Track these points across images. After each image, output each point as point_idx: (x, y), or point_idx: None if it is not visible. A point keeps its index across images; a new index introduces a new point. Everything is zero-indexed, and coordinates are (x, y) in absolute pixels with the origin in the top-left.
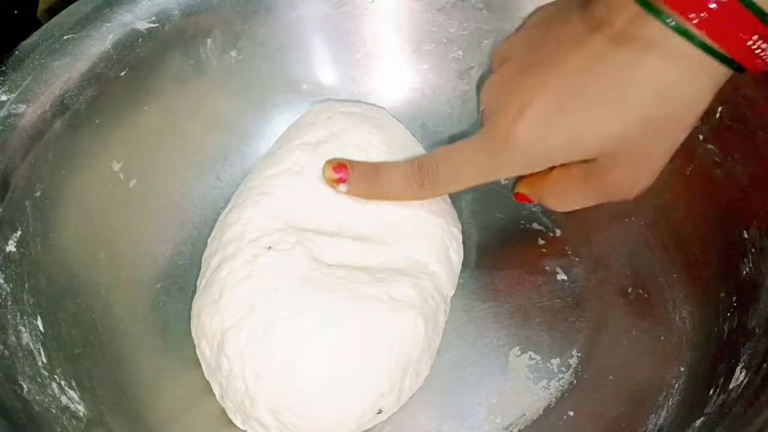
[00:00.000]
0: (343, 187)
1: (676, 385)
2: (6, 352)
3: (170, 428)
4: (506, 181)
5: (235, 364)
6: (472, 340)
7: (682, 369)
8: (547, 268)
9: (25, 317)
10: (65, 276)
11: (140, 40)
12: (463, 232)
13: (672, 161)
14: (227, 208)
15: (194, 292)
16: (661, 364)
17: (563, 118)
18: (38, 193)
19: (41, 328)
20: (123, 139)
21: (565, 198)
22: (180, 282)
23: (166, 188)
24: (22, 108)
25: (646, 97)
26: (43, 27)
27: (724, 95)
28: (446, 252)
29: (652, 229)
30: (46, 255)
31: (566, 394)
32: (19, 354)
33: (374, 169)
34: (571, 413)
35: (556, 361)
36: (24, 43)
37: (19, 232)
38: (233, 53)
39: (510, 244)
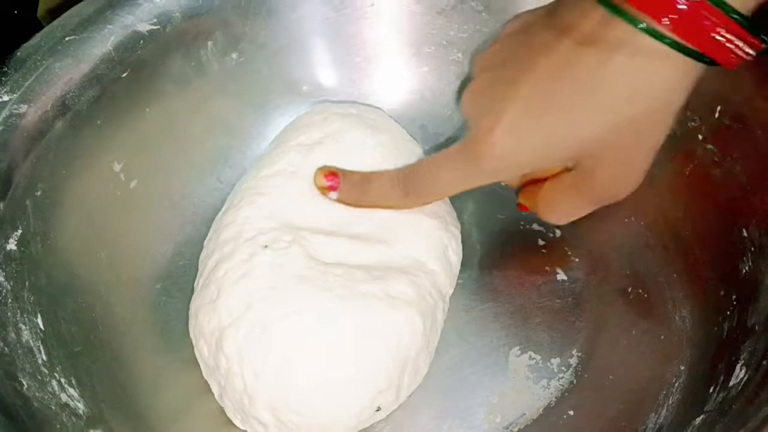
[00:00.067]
0: (333, 194)
1: (676, 384)
2: (6, 349)
3: (170, 428)
4: (506, 183)
5: (234, 363)
6: (472, 340)
7: (682, 368)
8: (547, 268)
9: (25, 315)
10: (65, 275)
11: (141, 41)
12: (463, 233)
13: (672, 161)
14: (223, 209)
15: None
16: (661, 363)
17: (535, 124)
18: (39, 193)
19: (41, 326)
20: (124, 140)
21: (558, 209)
22: (180, 282)
23: (167, 189)
24: (23, 108)
25: (616, 97)
26: (45, 28)
27: (723, 95)
28: (444, 251)
29: (652, 229)
30: (46, 254)
31: (566, 394)
32: (19, 351)
33: (364, 178)
34: (571, 413)
35: (556, 361)
36: (26, 44)
37: (20, 231)
38: (234, 55)
39: (510, 244)
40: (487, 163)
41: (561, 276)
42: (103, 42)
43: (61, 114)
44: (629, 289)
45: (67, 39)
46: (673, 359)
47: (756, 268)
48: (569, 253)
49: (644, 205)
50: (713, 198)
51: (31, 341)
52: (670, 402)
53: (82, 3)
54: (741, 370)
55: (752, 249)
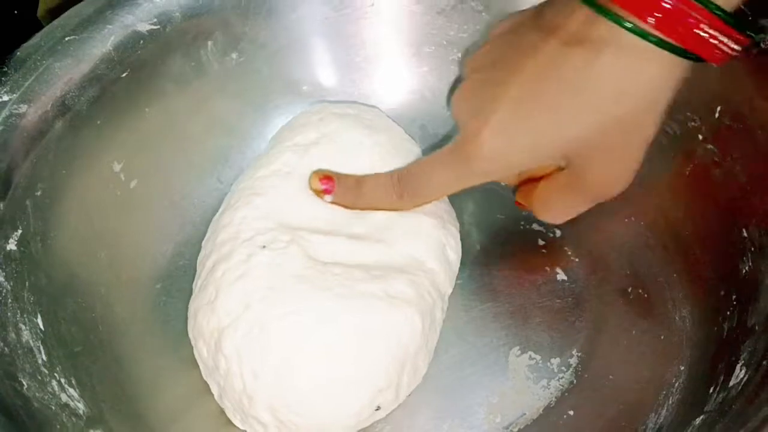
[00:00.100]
0: (328, 197)
1: (676, 384)
2: (6, 349)
3: (170, 428)
4: (505, 183)
5: (233, 363)
6: (471, 339)
7: (682, 368)
8: (547, 268)
9: (25, 315)
10: (65, 275)
11: (141, 41)
12: (462, 232)
13: (672, 161)
14: (220, 210)
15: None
16: (661, 363)
17: (523, 125)
18: (39, 193)
19: (41, 326)
20: (124, 140)
21: (553, 208)
22: (180, 282)
23: (167, 189)
24: (23, 108)
25: (603, 96)
26: (45, 28)
27: (723, 95)
28: (443, 250)
29: (652, 229)
30: (46, 254)
31: (566, 394)
32: (19, 351)
33: (358, 182)
34: (571, 412)
35: (556, 361)
36: (26, 44)
37: (20, 231)
38: (234, 55)
39: (510, 244)
40: (477, 164)
41: (561, 276)
42: (103, 42)
43: (61, 114)
44: (629, 289)
45: (67, 39)
46: (673, 359)
47: (756, 268)
48: (569, 253)
49: (644, 205)
50: (713, 198)
51: (31, 341)
52: (670, 402)
53: (82, 3)
54: (741, 370)
55: (752, 249)
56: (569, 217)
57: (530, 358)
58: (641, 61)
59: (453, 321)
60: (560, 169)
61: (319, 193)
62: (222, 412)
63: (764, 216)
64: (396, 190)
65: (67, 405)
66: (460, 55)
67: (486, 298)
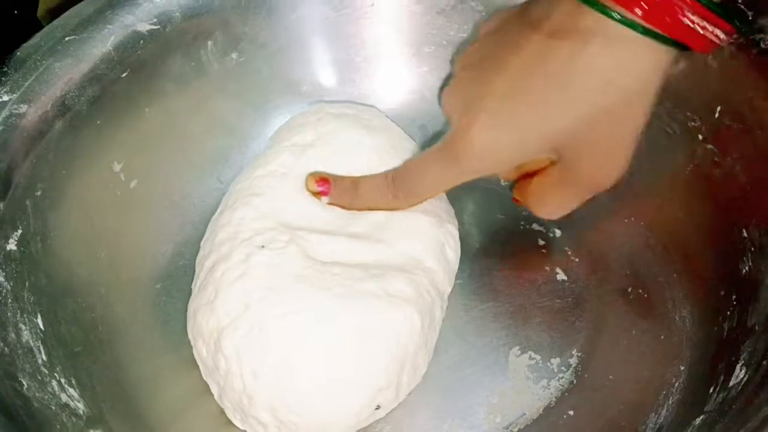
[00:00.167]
0: (325, 199)
1: (676, 384)
2: (6, 349)
3: (170, 428)
4: (505, 182)
5: (233, 363)
6: (471, 339)
7: (682, 368)
8: (547, 268)
9: (25, 315)
10: (65, 275)
11: (141, 41)
12: (463, 233)
13: (672, 161)
14: (218, 211)
15: None
16: (661, 363)
17: (511, 121)
18: (39, 193)
19: (41, 326)
20: (124, 140)
21: (548, 202)
22: (180, 282)
23: (167, 189)
24: (23, 108)
25: (590, 87)
26: (45, 28)
27: (723, 95)
28: (442, 249)
29: (652, 229)
30: (46, 254)
31: (566, 394)
32: (19, 351)
33: (354, 183)
34: (571, 412)
35: (556, 361)
36: (26, 44)
37: (20, 231)
38: (234, 55)
39: (510, 244)
40: (467, 161)
41: (561, 276)
42: (103, 42)
43: (61, 114)
44: (629, 289)
45: (67, 39)
46: (673, 359)
47: (756, 268)
48: (569, 253)
49: (644, 205)
50: (713, 198)
51: (31, 341)
52: (670, 402)
53: (82, 3)
54: (741, 370)
55: (752, 249)
56: (565, 212)
57: (530, 358)
58: (628, 51)
59: (453, 321)
60: (554, 163)
61: (316, 195)
62: (222, 412)
63: (764, 216)
64: (391, 190)
65: (67, 405)
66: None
67: (486, 298)
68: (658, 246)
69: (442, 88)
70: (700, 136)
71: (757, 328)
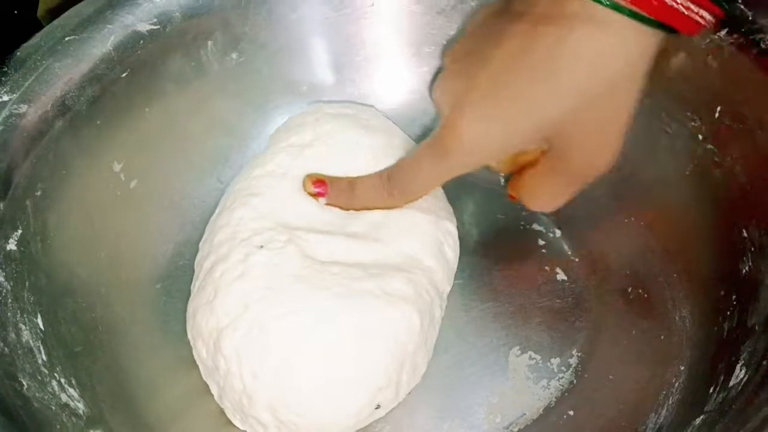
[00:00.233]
0: (322, 200)
1: (676, 384)
2: (6, 349)
3: (170, 428)
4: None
5: (232, 363)
6: (471, 339)
7: (682, 368)
8: (547, 268)
9: (25, 315)
10: (65, 275)
11: (141, 41)
12: (463, 232)
13: (672, 161)
14: (216, 212)
15: None
16: (661, 363)
17: (498, 113)
18: (39, 193)
19: (41, 326)
20: (124, 140)
21: (541, 194)
22: (180, 283)
23: (167, 189)
24: (23, 108)
25: (577, 73)
26: (45, 28)
27: (723, 95)
28: (440, 247)
29: (652, 229)
30: (46, 254)
31: (566, 394)
32: (19, 351)
33: (350, 184)
34: (571, 413)
35: (556, 361)
36: (26, 44)
37: (20, 231)
38: (234, 55)
39: (510, 244)
40: (457, 156)
41: (561, 276)
42: (103, 42)
43: (61, 114)
44: (629, 289)
45: (67, 39)
46: (673, 359)
47: (756, 268)
48: (569, 253)
49: (644, 205)
50: (713, 198)
51: (31, 341)
52: (670, 402)
53: (82, 3)
54: (741, 370)
55: (752, 249)
56: (558, 203)
57: (530, 358)
58: (615, 35)
59: (453, 321)
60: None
61: (314, 197)
62: (222, 412)
63: (764, 216)
64: (386, 189)
65: (67, 405)
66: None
67: (486, 298)
68: (658, 246)
69: (432, 82)
70: (700, 136)
71: (757, 328)
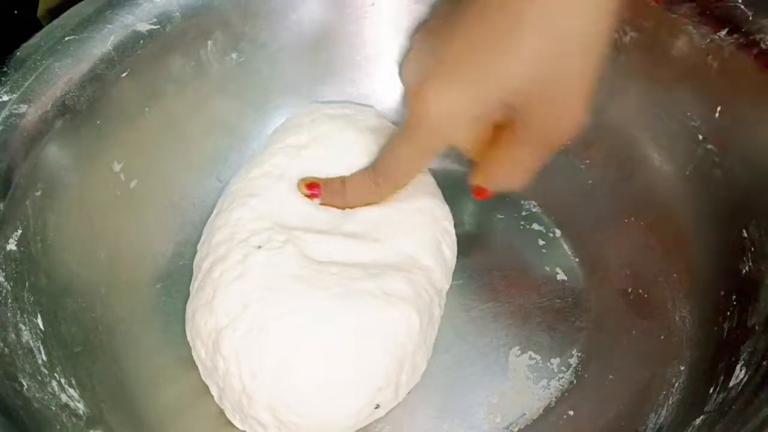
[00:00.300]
0: (317, 200)
1: (676, 384)
2: (6, 349)
3: (169, 428)
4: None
5: (231, 363)
6: (471, 339)
7: (682, 368)
8: (547, 268)
9: (25, 315)
10: (65, 275)
11: (141, 41)
12: (463, 233)
13: (672, 161)
14: (214, 212)
15: None
16: (661, 363)
17: (463, 84)
18: (39, 193)
19: (41, 327)
20: (124, 140)
21: (510, 170)
22: (180, 283)
23: (167, 189)
24: (23, 108)
25: (539, 34)
26: (45, 28)
27: (723, 95)
28: (438, 246)
29: (652, 229)
30: (46, 254)
31: (566, 394)
32: (19, 352)
33: (341, 183)
34: (571, 413)
35: (556, 361)
36: (26, 44)
37: (20, 231)
38: (234, 55)
39: (510, 244)
40: (427, 131)
41: (561, 276)
42: (103, 42)
43: (60, 114)
44: (629, 289)
45: (66, 39)
46: (673, 359)
47: (756, 268)
48: (569, 253)
49: (644, 205)
50: (713, 198)
51: (31, 341)
52: (670, 402)
53: (82, 3)
54: (741, 370)
55: (752, 249)
56: (526, 178)
57: (530, 358)
58: None
59: (453, 321)
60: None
61: (309, 198)
62: (221, 412)
63: (764, 216)
64: (372, 179)
65: (67, 405)
66: None
67: (486, 298)
68: (658, 246)
69: (400, 68)
70: (700, 136)
71: (757, 328)
